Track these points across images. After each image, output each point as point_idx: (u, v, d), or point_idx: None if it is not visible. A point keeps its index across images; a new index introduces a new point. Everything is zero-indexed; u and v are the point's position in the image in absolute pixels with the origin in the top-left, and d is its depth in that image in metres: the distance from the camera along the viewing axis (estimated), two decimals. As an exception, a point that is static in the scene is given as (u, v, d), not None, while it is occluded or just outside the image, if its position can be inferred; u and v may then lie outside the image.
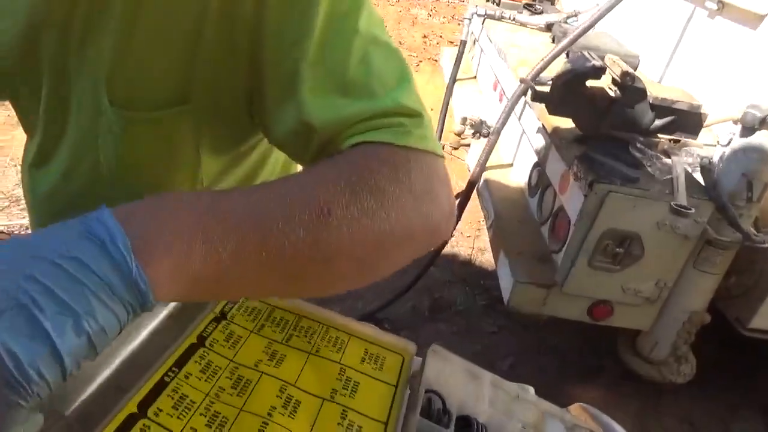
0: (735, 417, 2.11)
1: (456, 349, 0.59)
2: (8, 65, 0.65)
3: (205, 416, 0.45)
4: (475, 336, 2.30)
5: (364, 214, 0.42)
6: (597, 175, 1.48)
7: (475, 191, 2.16)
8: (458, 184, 3.21)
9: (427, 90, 4.50)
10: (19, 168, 2.78)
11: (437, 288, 2.51)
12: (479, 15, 2.76)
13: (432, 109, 4.11)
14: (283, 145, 0.57)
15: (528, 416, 0.58)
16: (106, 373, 0.57)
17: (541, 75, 1.88)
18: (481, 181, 2.18)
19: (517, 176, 2.19)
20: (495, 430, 0.54)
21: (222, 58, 0.53)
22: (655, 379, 1.82)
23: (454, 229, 0.55)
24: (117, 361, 0.59)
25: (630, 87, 1.53)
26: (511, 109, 1.96)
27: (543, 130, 1.82)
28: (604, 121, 1.57)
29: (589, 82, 1.58)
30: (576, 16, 2.64)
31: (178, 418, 0.44)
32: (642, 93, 1.54)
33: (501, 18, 2.72)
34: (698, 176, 1.56)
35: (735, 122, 1.47)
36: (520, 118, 2.09)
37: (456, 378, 0.57)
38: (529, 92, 1.90)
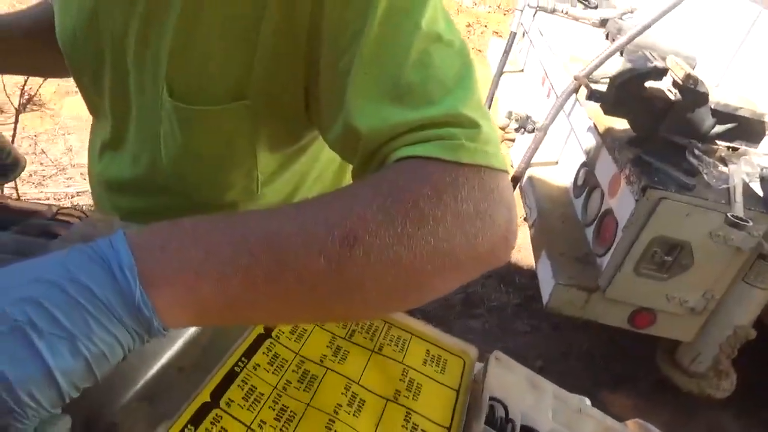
0: (771, 436, 2.06)
1: (487, 347, 0.58)
2: (72, 50, 0.66)
3: (274, 409, 0.45)
4: (507, 334, 2.28)
5: (398, 241, 0.39)
6: (650, 180, 1.43)
7: (517, 188, 2.13)
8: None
9: (469, 80, 4.44)
10: (66, 137, 2.85)
11: (471, 282, 2.48)
12: (531, 6, 2.69)
13: (473, 101, 4.07)
14: (335, 148, 0.55)
15: (589, 431, 0.57)
16: (169, 353, 0.58)
17: (594, 73, 1.83)
18: (525, 177, 2.15)
19: (562, 175, 2.14)
20: (559, 444, 0.53)
21: (280, 55, 0.52)
22: (693, 391, 1.77)
23: (511, 252, 0.50)
24: (179, 342, 0.59)
25: (692, 90, 1.47)
26: (561, 105, 1.91)
27: (594, 129, 1.77)
28: (662, 124, 1.52)
29: (648, 83, 1.53)
30: (632, 12, 2.56)
31: (248, 410, 0.43)
32: (704, 97, 1.49)
33: (553, 11, 2.66)
34: (756, 187, 1.50)
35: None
36: (569, 116, 2.04)
37: (518, 387, 0.56)
38: (582, 90, 1.85)
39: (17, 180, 1.61)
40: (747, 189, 1.49)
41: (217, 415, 0.42)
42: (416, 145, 0.44)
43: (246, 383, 0.45)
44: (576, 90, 1.86)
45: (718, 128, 1.52)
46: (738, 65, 2.03)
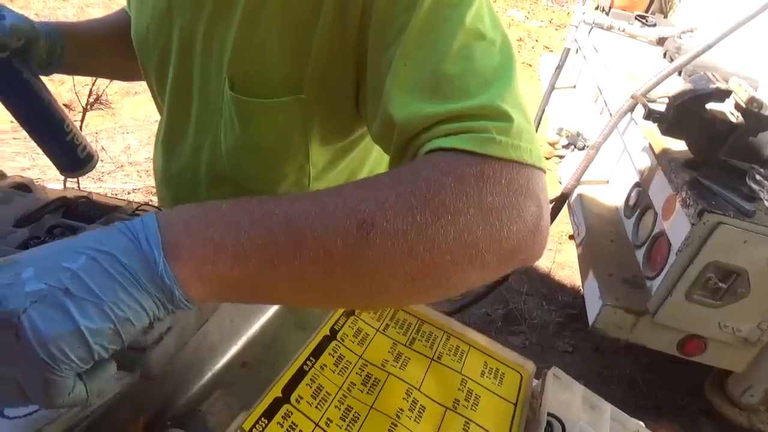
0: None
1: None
2: (143, 47, 0.72)
3: (339, 409, 0.46)
4: (548, 353, 2.25)
5: (416, 230, 0.39)
6: (708, 203, 1.40)
7: (565, 205, 2.11)
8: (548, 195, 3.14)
9: (518, 95, 4.41)
10: (125, 135, 2.96)
11: (513, 298, 2.47)
12: (587, 23, 2.67)
13: (522, 115, 4.04)
14: (377, 140, 0.55)
15: (646, 455, 0.56)
16: (233, 349, 0.60)
17: (651, 92, 1.80)
18: (574, 195, 2.12)
19: (612, 194, 2.11)
20: (617, 466, 0.53)
21: (333, 49, 0.55)
22: (742, 425, 1.71)
23: (542, 251, 0.46)
24: (243, 339, 0.62)
25: (755, 114, 1.43)
26: (616, 124, 1.88)
27: (649, 149, 1.74)
28: (722, 147, 1.48)
29: (709, 105, 1.49)
30: (692, 31, 2.50)
31: (316, 407, 0.45)
32: (767, 121, 1.45)
33: (610, 28, 2.62)
34: (821, 216, 1.45)
35: None
36: (623, 135, 2.01)
37: (575, 405, 0.56)
38: (639, 109, 1.82)
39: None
40: (810, 218, 1.43)
41: (288, 410, 0.43)
42: (447, 138, 0.44)
43: (314, 382, 0.47)
44: (632, 109, 1.84)
45: (782, 154, 1.47)
46: (804, 89, 1.96)
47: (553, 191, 3.09)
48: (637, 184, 1.87)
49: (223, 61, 0.61)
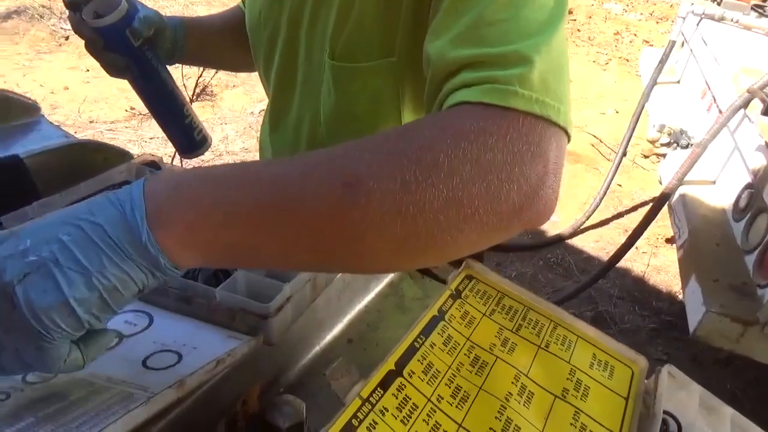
0: None
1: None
2: (255, 31, 0.77)
3: (450, 387, 0.47)
4: (640, 359, 2.14)
5: (404, 188, 0.37)
6: (835, 207, 1.28)
7: (666, 206, 2.00)
8: (642, 195, 2.99)
9: (614, 90, 4.23)
10: (224, 126, 3.11)
11: (602, 300, 2.37)
12: (695, 14, 2.50)
13: (617, 112, 3.86)
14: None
15: (770, 464, 0.53)
16: (339, 327, 0.62)
17: (769, 86, 1.67)
18: (675, 195, 2.00)
19: (719, 195, 1.97)
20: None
21: (417, 14, 0.57)
22: None
23: (547, 215, 0.42)
24: (348, 317, 0.64)
25: None
26: (728, 120, 1.76)
27: (765, 148, 1.61)
28: None
29: (840, 100, 1.36)
30: (818, 21, 2.29)
31: (427, 383, 0.46)
32: None
33: (722, 19, 2.45)
34: None
35: None
36: (734, 132, 1.87)
37: (692, 405, 0.53)
38: (754, 104, 1.69)
39: (183, 163, 1.81)
40: None
41: (401, 383, 0.44)
42: (466, 90, 0.42)
43: (425, 359, 0.48)
44: (746, 104, 1.71)
45: None
46: None
47: (653, 191, 2.94)
48: (749, 185, 1.74)
49: (326, 33, 0.65)
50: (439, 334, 0.51)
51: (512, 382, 0.50)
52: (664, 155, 2.35)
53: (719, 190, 2.00)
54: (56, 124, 0.99)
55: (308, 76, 0.72)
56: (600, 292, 2.40)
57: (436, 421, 0.43)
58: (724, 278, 1.61)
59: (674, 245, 2.15)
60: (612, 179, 2.71)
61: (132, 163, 0.70)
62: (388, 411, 0.42)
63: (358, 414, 0.40)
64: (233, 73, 3.64)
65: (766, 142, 1.61)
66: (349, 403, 0.40)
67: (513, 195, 0.39)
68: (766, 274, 1.49)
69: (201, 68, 3.02)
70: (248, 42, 0.80)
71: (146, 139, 2.94)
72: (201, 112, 3.27)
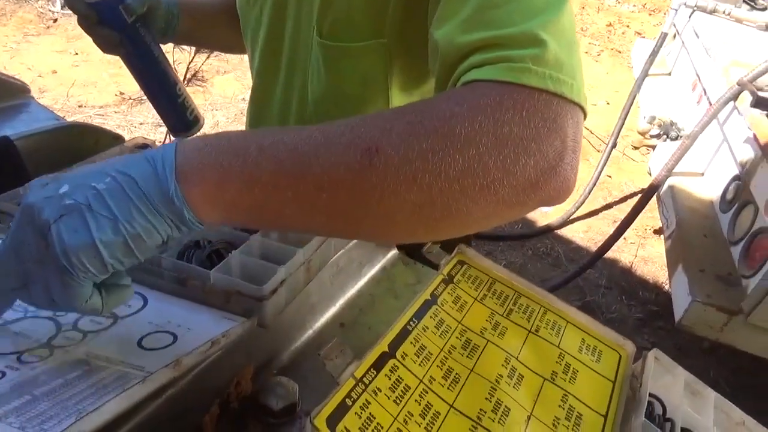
0: None
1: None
2: (244, 12, 0.78)
3: (441, 369, 0.48)
4: (626, 348, 2.17)
5: (421, 156, 0.38)
6: (820, 199, 1.30)
7: (655, 197, 2.02)
8: (631, 186, 3.02)
9: (605, 81, 4.24)
10: (214, 112, 3.09)
11: (590, 290, 2.40)
12: (688, 6, 2.51)
13: (608, 103, 3.88)
14: (433, 76, 0.54)
15: (751, 446, 0.54)
16: (332, 310, 0.63)
17: (758, 80, 1.68)
18: (664, 187, 2.02)
19: (707, 187, 1.99)
20: (722, 453, 0.51)
21: None
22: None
23: (566, 192, 0.43)
24: (339, 302, 0.64)
25: None
26: (717, 112, 1.78)
27: (754, 140, 1.63)
28: (840, 140, 1.36)
29: (828, 94, 1.38)
30: (808, 16, 2.30)
31: (419, 365, 0.47)
32: None
33: (714, 11, 2.46)
34: None
35: None
36: (723, 124, 1.89)
37: (677, 389, 0.55)
38: (743, 97, 1.71)
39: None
40: None
41: (394, 365, 0.45)
42: (481, 69, 0.43)
43: (417, 341, 0.48)
44: (736, 96, 1.72)
45: None
46: None
47: (642, 182, 2.96)
48: (736, 177, 1.76)
49: (312, 12, 0.65)
50: (431, 317, 0.52)
51: (502, 365, 0.51)
52: (653, 147, 2.37)
53: (707, 181, 2.03)
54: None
55: (294, 56, 0.72)
56: (588, 282, 2.42)
57: (428, 402, 0.44)
58: (711, 268, 1.64)
59: (662, 236, 2.17)
60: (602, 170, 2.73)
61: (125, 146, 0.70)
62: (381, 391, 0.42)
63: (352, 393, 0.41)
64: (224, 59, 3.60)
65: (754, 135, 1.63)
66: (343, 383, 0.40)
67: (529, 169, 0.39)
68: (752, 264, 1.52)
69: (192, 53, 2.99)
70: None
71: (136, 125, 2.91)
72: (193, 98, 3.25)
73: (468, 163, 0.38)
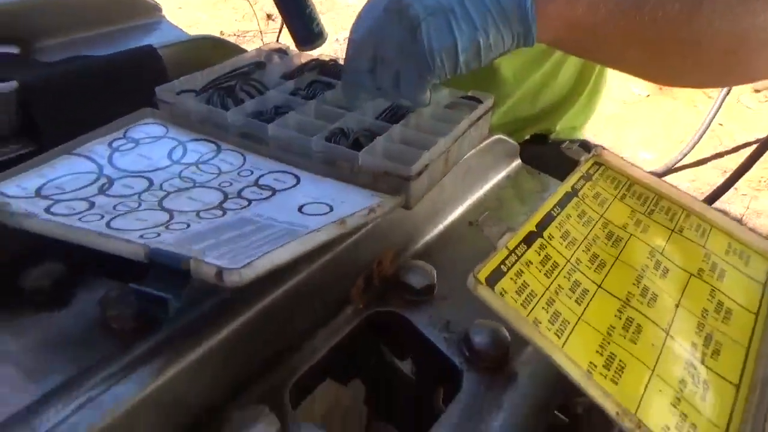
0: None
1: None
2: None
3: (587, 254, 0.47)
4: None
5: (744, 8, 0.40)
6: None
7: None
8: (745, 135, 2.80)
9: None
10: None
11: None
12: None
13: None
14: None
15: None
16: (460, 209, 0.64)
17: None
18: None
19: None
20: None
21: None
22: None
23: None
24: (468, 201, 0.65)
25: None
26: None
27: None
28: None
29: None
30: None
31: (566, 248, 0.47)
32: None
33: None
34: None
35: None
36: None
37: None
38: None
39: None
40: None
41: (542, 243, 0.45)
42: None
43: (562, 227, 0.48)
44: None
45: None
46: None
47: (758, 132, 2.74)
48: None
49: None
50: (573, 207, 0.52)
51: (647, 257, 0.50)
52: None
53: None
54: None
55: None
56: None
57: (576, 279, 0.44)
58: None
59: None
60: (714, 117, 2.54)
61: (261, 48, 0.72)
62: (531, 264, 0.43)
63: (506, 261, 0.42)
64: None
65: None
66: (500, 249, 0.41)
67: None
68: None
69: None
70: None
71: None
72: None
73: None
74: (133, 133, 0.57)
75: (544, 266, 0.44)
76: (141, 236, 0.40)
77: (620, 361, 0.39)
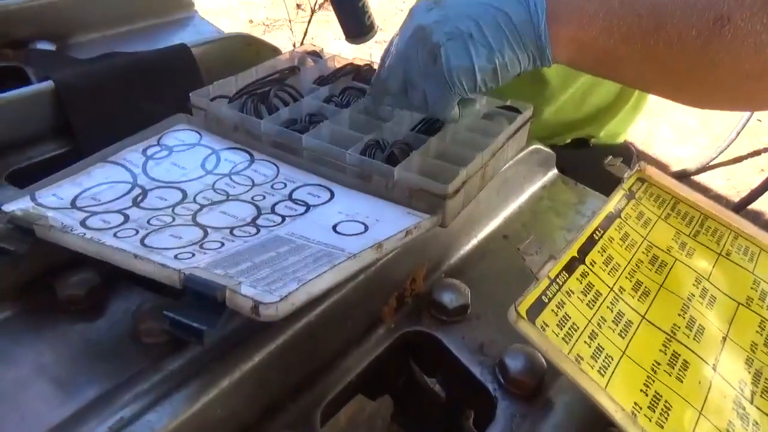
0: None
1: None
2: None
3: (630, 281, 0.46)
4: None
5: (766, 30, 0.38)
6: None
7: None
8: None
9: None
10: (336, 42, 3.11)
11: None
12: None
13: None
14: None
15: None
16: (495, 222, 0.62)
17: None
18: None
19: None
20: None
21: None
22: None
23: None
24: (503, 214, 0.63)
25: None
26: None
27: None
28: None
29: None
30: None
31: (608, 274, 0.45)
32: None
33: None
34: None
35: None
36: None
37: None
38: None
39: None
40: None
41: (584, 270, 0.44)
42: None
43: (605, 251, 0.47)
44: None
45: None
46: None
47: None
48: None
49: None
50: (616, 230, 0.50)
51: (693, 284, 0.48)
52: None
53: None
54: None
55: None
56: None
57: (620, 310, 0.43)
58: None
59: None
60: (751, 113, 2.45)
61: (295, 51, 0.71)
62: (573, 294, 0.42)
63: (547, 292, 0.40)
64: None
65: None
66: (542, 279, 0.40)
67: None
68: None
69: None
70: None
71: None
72: (317, 27, 3.28)
73: None
74: (167, 140, 0.57)
75: (586, 296, 0.42)
76: (175, 256, 0.40)
77: (666, 401, 0.37)
